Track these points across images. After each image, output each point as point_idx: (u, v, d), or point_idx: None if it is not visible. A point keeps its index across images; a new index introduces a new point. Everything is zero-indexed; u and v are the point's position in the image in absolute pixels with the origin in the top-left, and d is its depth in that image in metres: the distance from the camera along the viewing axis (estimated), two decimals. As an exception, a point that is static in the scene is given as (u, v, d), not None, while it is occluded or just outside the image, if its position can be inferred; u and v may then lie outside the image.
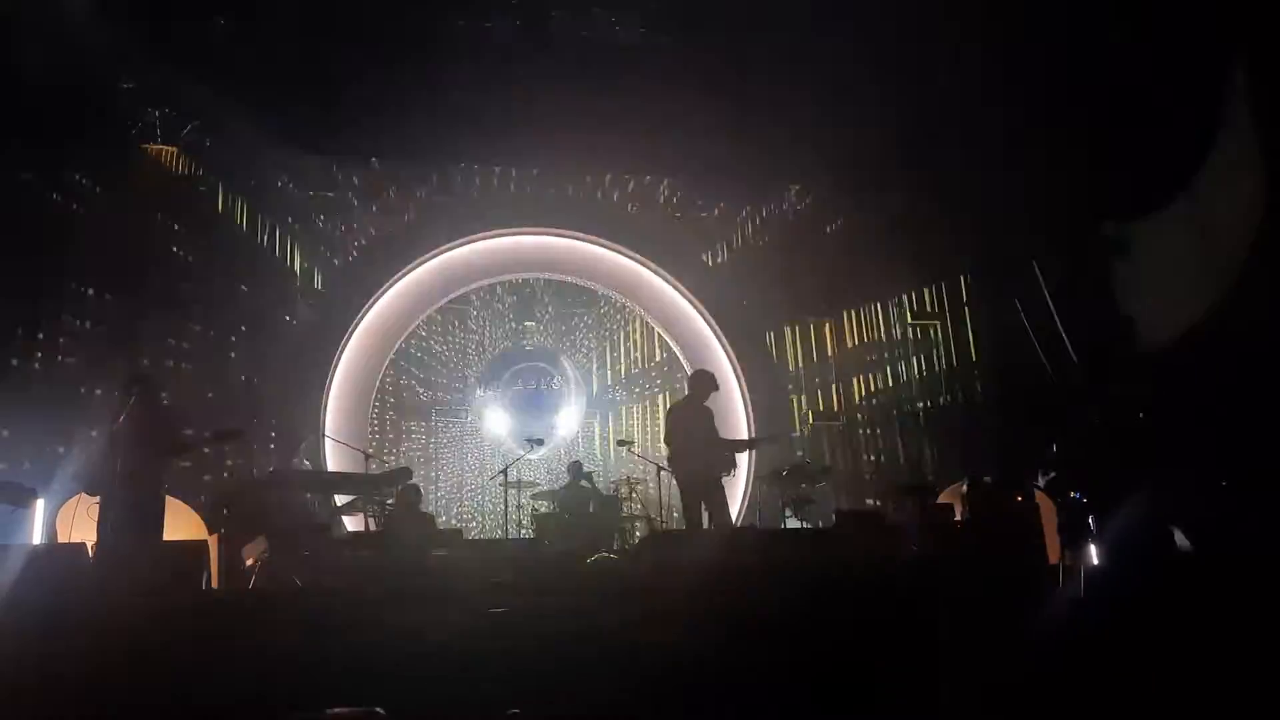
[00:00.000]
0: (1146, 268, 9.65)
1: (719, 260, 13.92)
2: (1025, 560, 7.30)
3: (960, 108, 9.94)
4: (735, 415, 12.76)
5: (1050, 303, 10.61)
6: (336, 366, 12.25)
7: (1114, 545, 7.33)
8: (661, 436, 9.43)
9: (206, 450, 9.86)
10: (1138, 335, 9.62)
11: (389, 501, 9.39)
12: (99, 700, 5.03)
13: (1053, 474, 8.56)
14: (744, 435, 12.44)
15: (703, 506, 8.41)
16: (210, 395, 11.15)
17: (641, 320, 13.94)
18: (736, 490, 11.82)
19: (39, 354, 9.70)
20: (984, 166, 10.61)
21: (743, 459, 11.56)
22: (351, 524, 10.63)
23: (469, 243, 13.08)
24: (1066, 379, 10.29)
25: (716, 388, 9.09)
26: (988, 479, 8.95)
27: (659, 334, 13.85)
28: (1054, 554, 7.79)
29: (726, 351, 13.34)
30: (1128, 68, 9.00)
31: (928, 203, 12.47)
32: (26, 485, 7.75)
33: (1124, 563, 7.06)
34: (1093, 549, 7.93)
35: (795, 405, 13.40)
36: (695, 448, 8.50)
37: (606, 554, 8.95)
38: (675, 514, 11.09)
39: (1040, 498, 8.57)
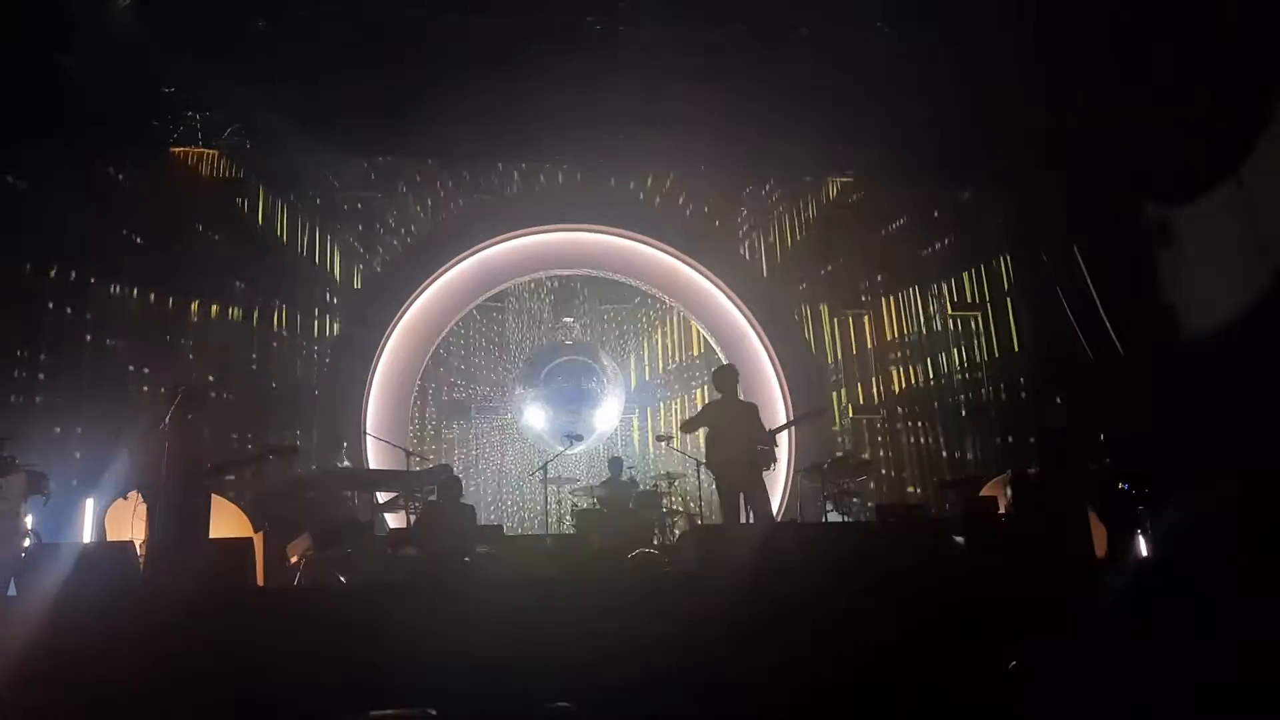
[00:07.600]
0: (1191, 253, 9.47)
1: (756, 254, 13.85)
2: (1071, 553, 7.18)
3: (1001, 94, 9.82)
4: (775, 408, 12.68)
5: (1093, 290, 10.44)
6: (376, 366, 12.33)
7: (1163, 536, 7.22)
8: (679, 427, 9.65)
9: (252, 467, 9.98)
10: (1182, 322, 9.45)
11: (430, 497, 9.47)
12: (147, 696, 5.12)
13: (1099, 465, 8.44)
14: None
15: (742, 501, 8.42)
16: (252, 396, 11.32)
17: (679, 315, 13.91)
18: (777, 484, 11.75)
19: (87, 355, 9.87)
20: (1025, 150, 10.49)
21: (783, 452, 11.48)
22: (393, 521, 10.73)
23: (506, 240, 13.12)
24: (1111, 368, 10.14)
25: (738, 376, 9.15)
26: (1032, 471, 8.82)
27: (696, 328, 13.82)
28: (1101, 547, 7.68)
29: (765, 345, 13.27)
30: (1172, 51, 8.85)
31: (968, 190, 12.37)
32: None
33: (1174, 554, 6.95)
34: (1141, 541, 7.82)
35: (835, 398, 13.30)
36: (729, 443, 8.53)
37: (647, 549, 8.94)
38: (714, 511, 11.08)
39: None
